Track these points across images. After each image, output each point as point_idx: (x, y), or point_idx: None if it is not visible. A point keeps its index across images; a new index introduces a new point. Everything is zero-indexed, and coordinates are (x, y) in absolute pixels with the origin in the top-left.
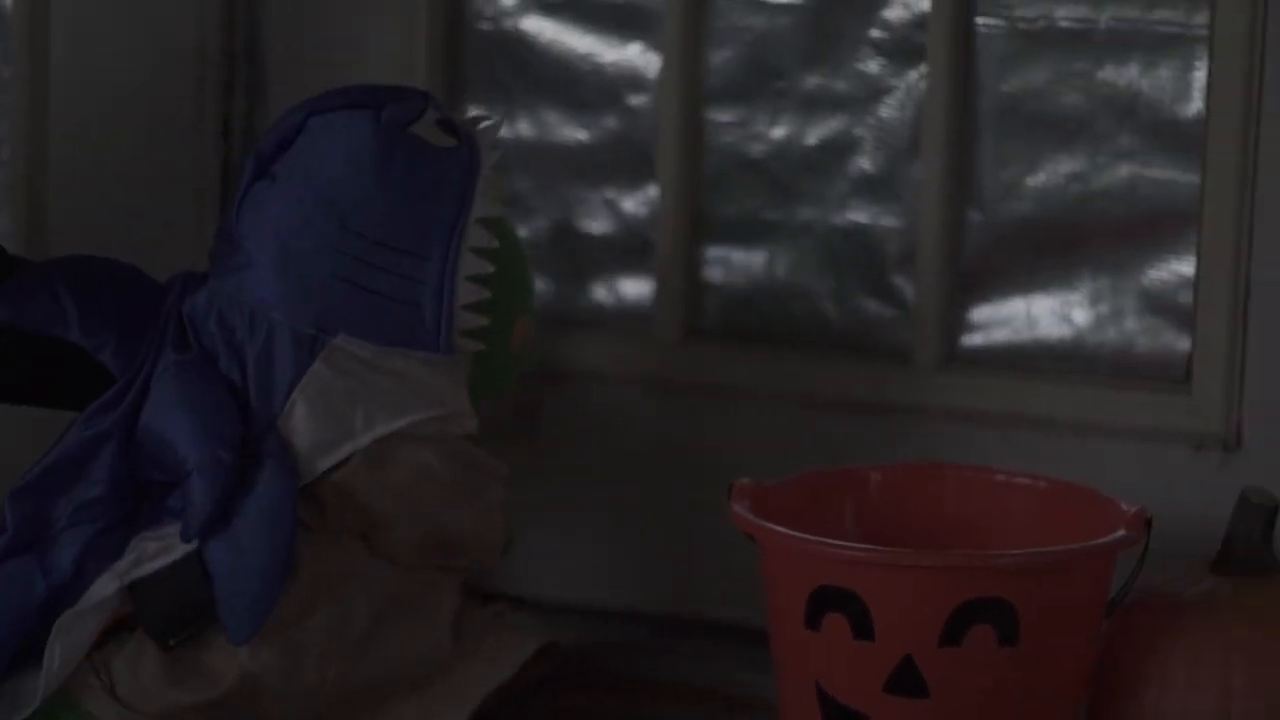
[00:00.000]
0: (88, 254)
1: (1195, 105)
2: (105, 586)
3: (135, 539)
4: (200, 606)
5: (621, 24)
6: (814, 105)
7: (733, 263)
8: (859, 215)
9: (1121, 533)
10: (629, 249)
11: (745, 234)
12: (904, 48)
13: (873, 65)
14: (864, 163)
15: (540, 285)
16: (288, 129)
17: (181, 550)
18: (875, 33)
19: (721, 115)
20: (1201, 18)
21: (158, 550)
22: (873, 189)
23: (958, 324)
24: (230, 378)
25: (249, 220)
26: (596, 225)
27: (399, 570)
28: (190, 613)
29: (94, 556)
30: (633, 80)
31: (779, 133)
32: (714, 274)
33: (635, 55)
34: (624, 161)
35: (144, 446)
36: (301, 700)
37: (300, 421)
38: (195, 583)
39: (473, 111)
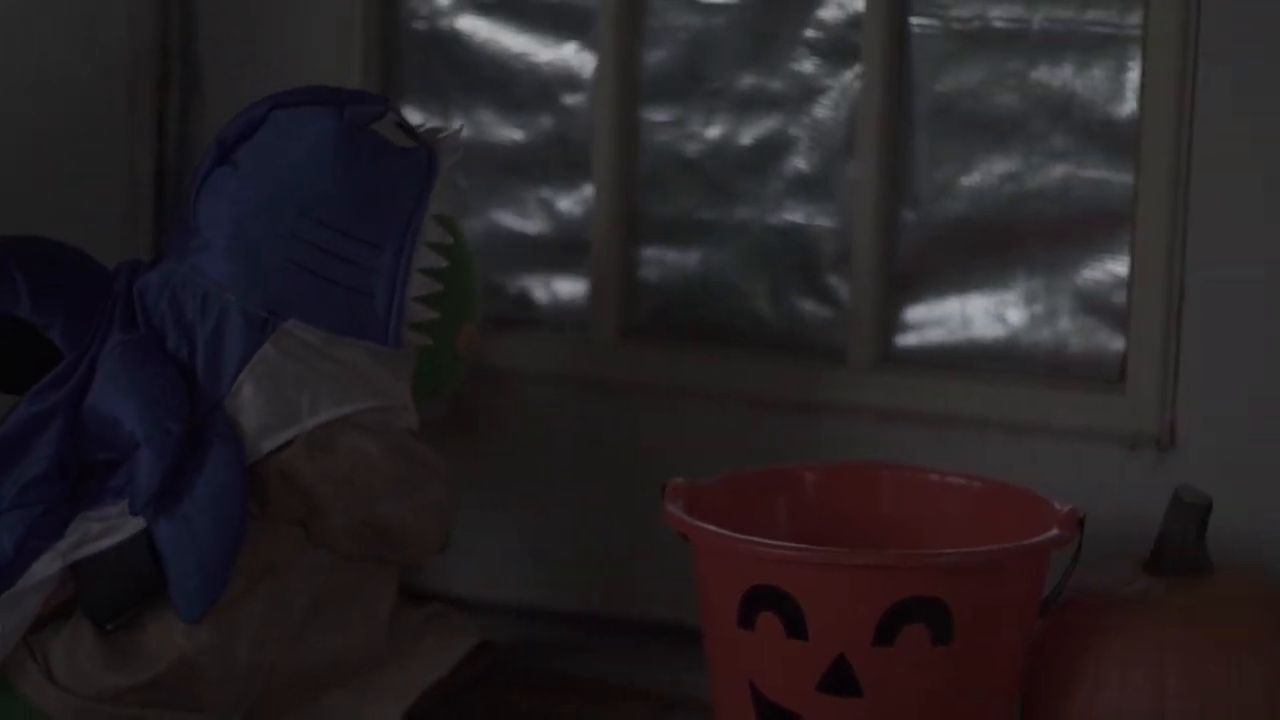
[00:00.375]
0: (37, 235)
1: (1129, 105)
2: (48, 566)
3: (78, 519)
4: (142, 589)
5: (556, 23)
6: (749, 105)
7: (668, 262)
8: (794, 215)
9: (1054, 532)
10: (564, 248)
11: (680, 234)
12: (839, 48)
13: (807, 65)
14: (799, 162)
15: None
16: (251, 120)
17: (127, 531)
18: (810, 33)
19: (657, 115)
20: (1135, 18)
21: (102, 530)
22: (808, 189)
23: (892, 324)
24: (178, 357)
25: (207, 205)
26: (532, 225)
27: (337, 562)
28: (132, 595)
29: (36, 536)
30: (568, 80)
31: (714, 132)
32: (649, 274)
33: (570, 55)
34: (559, 161)
35: (90, 424)
36: (237, 684)
37: (247, 402)
38: (141, 564)
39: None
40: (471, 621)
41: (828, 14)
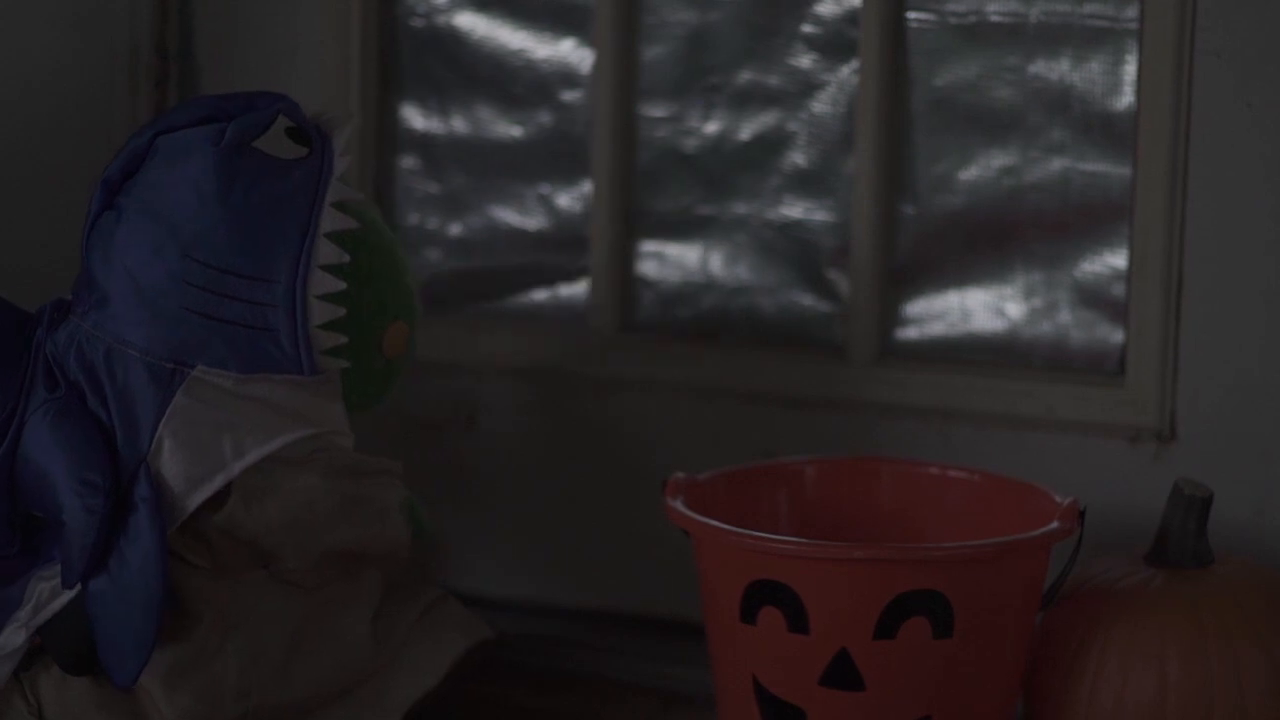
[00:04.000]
0: None
1: (1126, 98)
2: (13, 638)
3: (32, 581)
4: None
5: (554, 20)
6: (747, 100)
7: (667, 258)
8: (792, 210)
9: (1055, 524)
10: (563, 244)
11: (679, 229)
12: (836, 43)
13: (805, 60)
14: (797, 158)
15: (476, 281)
16: (135, 151)
17: (71, 591)
18: (807, 28)
19: (655, 111)
20: (1131, 11)
21: (51, 593)
22: (806, 184)
23: (892, 318)
24: (99, 415)
25: (98, 255)
26: (531, 221)
27: (307, 592)
28: (93, 648)
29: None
30: (566, 76)
31: (712, 128)
32: (648, 269)
33: (568, 51)
34: (558, 157)
35: (24, 483)
36: None
37: (168, 457)
38: (87, 623)
39: (328, 114)
40: (465, 616)
41: (825, 9)
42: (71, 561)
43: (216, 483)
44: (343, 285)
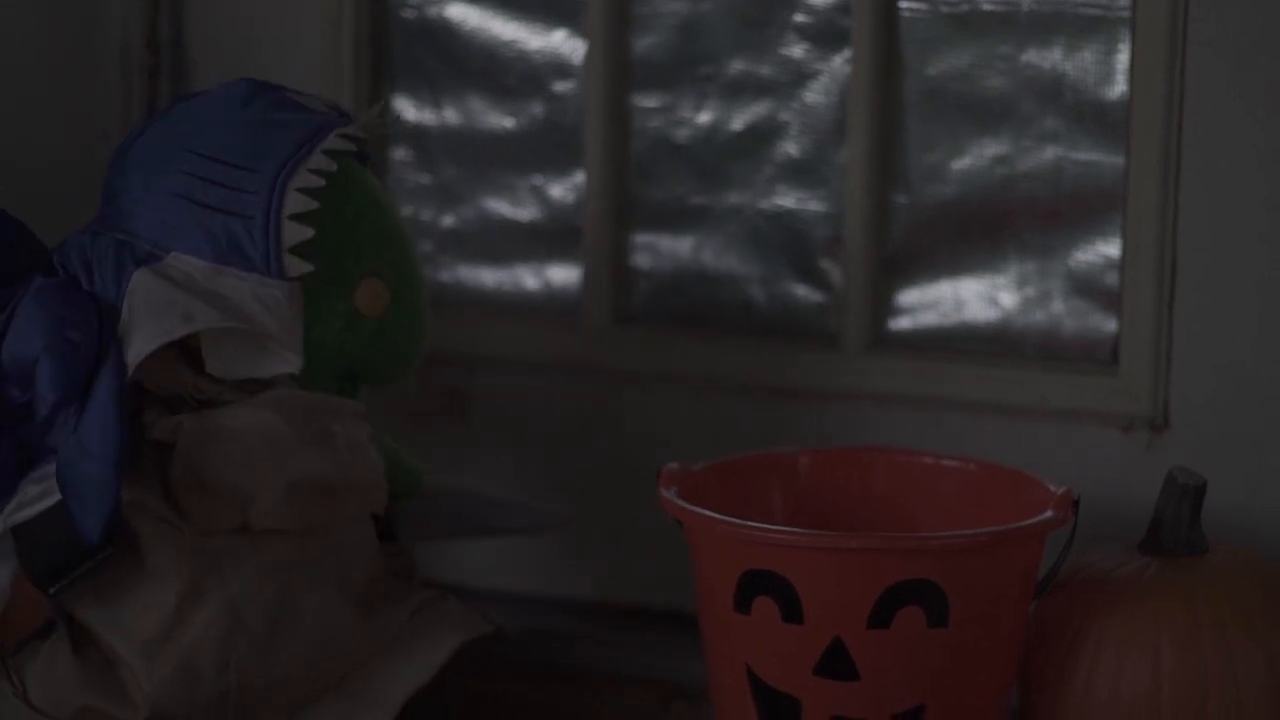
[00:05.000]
0: None
1: (1119, 87)
2: None
3: (25, 482)
4: (78, 553)
5: (546, 10)
6: (739, 90)
7: (660, 248)
8: (785, 200)
9: (1049, 514)
10: (556, 235)
11: (672, 219)
12: (828, 32)
13: (797, 50)
14: (790, 147)
15: (468, 272)
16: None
17: (59, 495)
18: (799, 17)
19: (647, 101)
20: (1124, 0)
21: (38, 494)
22: (799, 174)
23: (885, 308)
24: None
25: (118, 165)
26: (523, 212)
27: (287, 569)
28: (68, 559)
29: None
30: (558, 67)
31: (705, 118)
32: (641, 260)
33: (560, 42)
34: (550, 148)
35: (8, 368)
36: (209, 712)
37: (128, 320)
38: (69, 527)
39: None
40: (466, 612)
41: None
42: (44, 394)
43: (169, 336)
44: (322, 182)
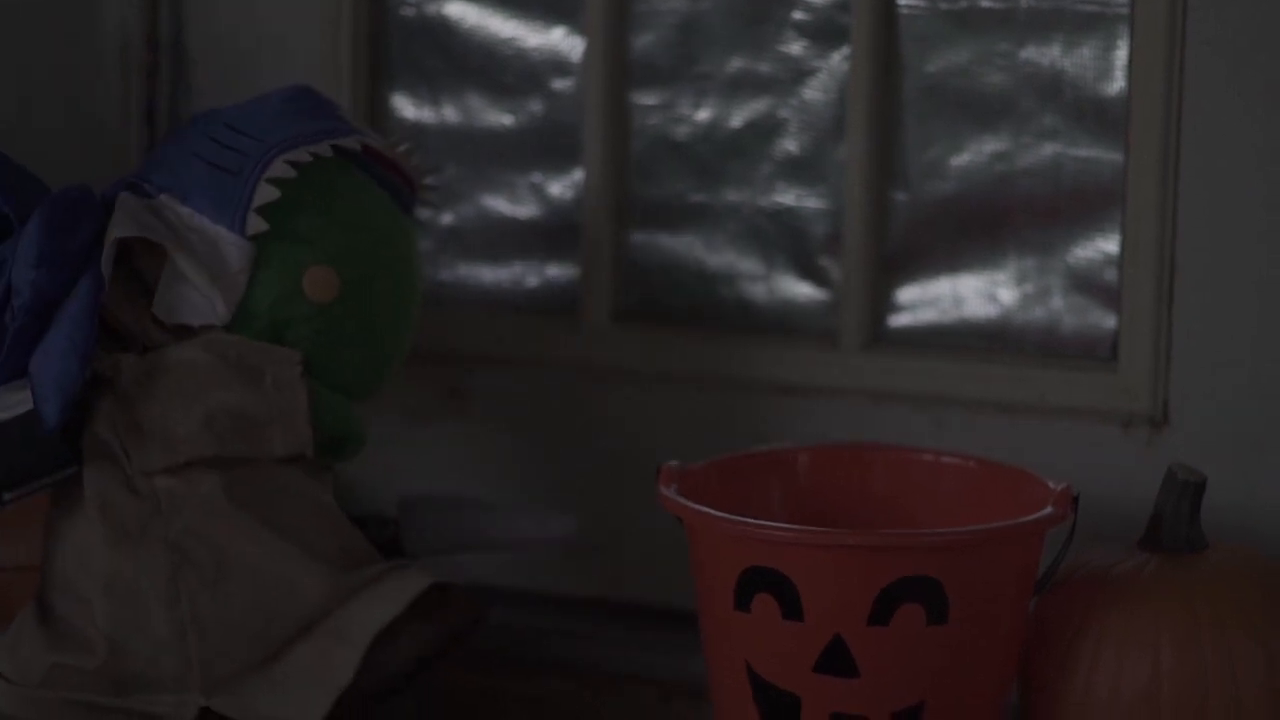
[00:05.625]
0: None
1: (1118, 84)
2: None
3: (3, 389)
4: (44, 462)
5: (545, 8)
6: (738, 88)
7: (659, 246)
8: (784, 197)
9: (1049, 510)
10: (555, 233)
11: (671, 217)
12: (827, 29)
13: (796, 47)
14: (789, 145)
15: (467, 270)
16: None
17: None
18: (798, 14)
19: (646, 99)
20: None
21: (15, 402)
22: (798, 171)
23: (884, 304)
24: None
25: (176, 130)
26: (522, 209)
27: (227, 508)
28: (32, 466)
29: None
30: (557, 64)
31: (703, 115)
32: (640, 257)
33: (559, 39)
34: (549, 146)
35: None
36: (171, 653)
37: (110, 227)
38: (36, 436)
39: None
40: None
41: None
42: (26, 255)
43: (141, 231)
44: (309, 158)
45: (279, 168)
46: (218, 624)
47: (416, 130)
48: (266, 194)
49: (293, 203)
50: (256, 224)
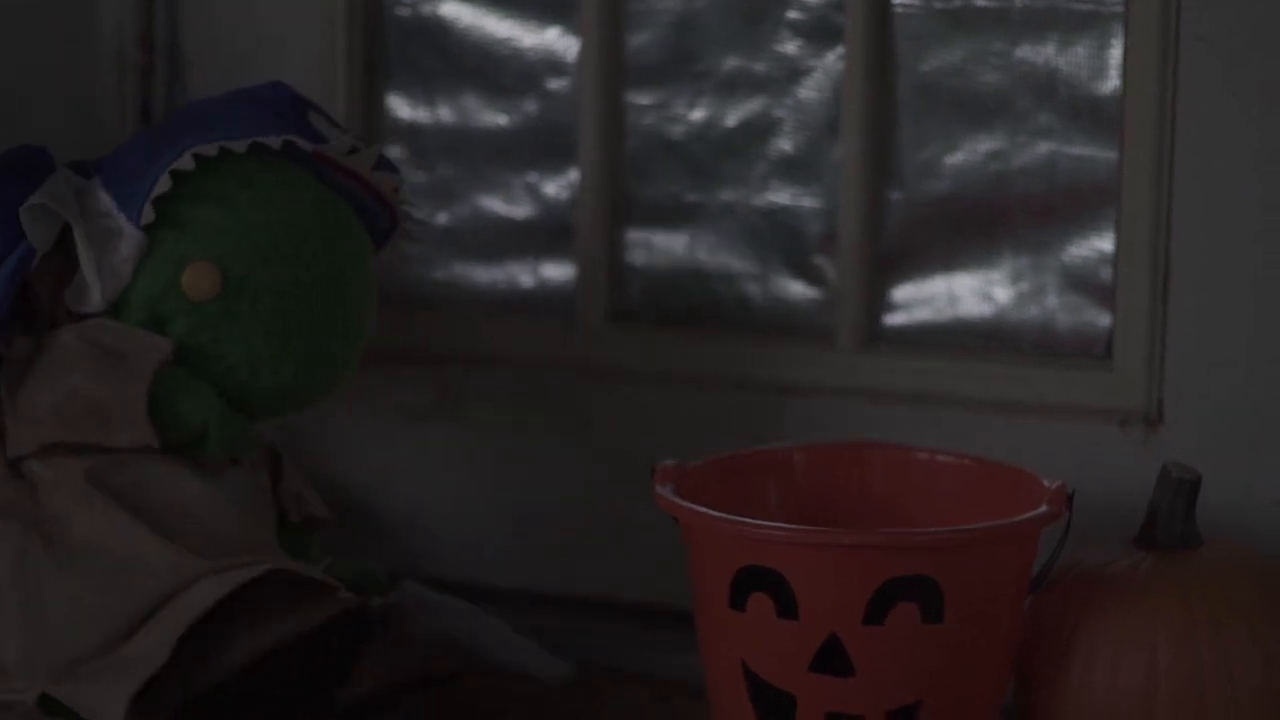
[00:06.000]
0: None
1: (1112, 83)
2: None
3: None
4: None
5: (540, 8)
6: (733, 87)
7: (654, 245)
8: (780, 196)
9: (1044, 509)
10: (551, 233)
11: (666, 216)
12: (822, 28)
13: (791, 47)
14: (784, 144)
15: (463, 269)
16: None
17: None
18: (793, 14)
19: (641, 98)
20: None
21: None
22: (793, 170)
23: (879, 304)
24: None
25: None
26: (518, 210)
27: (79, 492)
28: None
29: None
30: (552, 64)
31: (699, 115)
32: (636, 257)
33: (554, 39)
34: (545, 146)
35: None
36: (17, 638)
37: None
38: None
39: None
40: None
41: None
42: None
43: (49, 200)
44: (214, 152)
45: (184, 160)
46: (65, 605)
47: (412, 130)
48: (163, 185)
49: (192, 196)
50: (148, 214)
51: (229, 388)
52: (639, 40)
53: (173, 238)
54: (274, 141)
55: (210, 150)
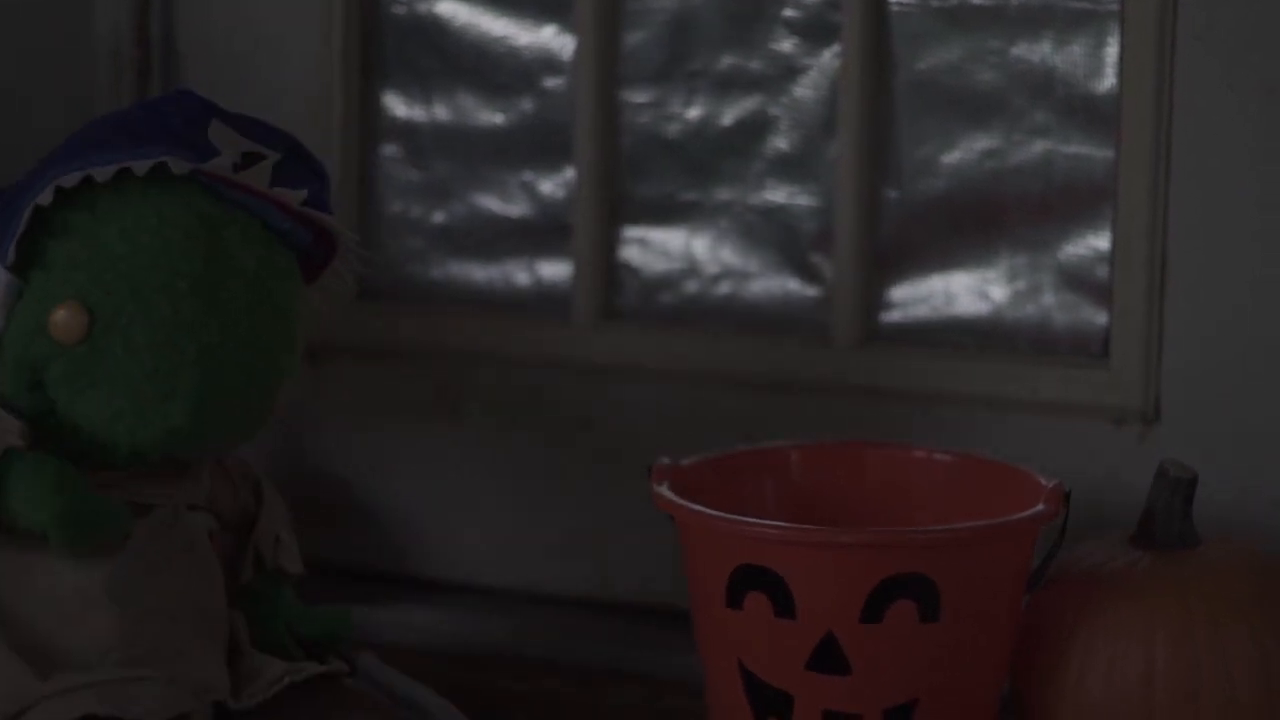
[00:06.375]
0: None
1: (1109, 81)
2: None
3: None
4: None
5: (536, 6)
6: (729, 85)
7: (650, 244)
8: (775, 195)
9: (1040, 507)
10: (547, 231)
11: (662, 215)
12: (817, 27)
13: (787, 45)
14: (780, 142)
15: (459, 268)
16: None
17: None
18: (789, 12)
19: (637, 97)
20: None
21: None
22: (789, 168)
23: (876, 302)
24: None
25: None
26: (514, 208)
27: None
28: None
29: None
30: (548, 63)
31: (694, 113)
32: (631, 255)
33: (550, 38)
34: (540, 144)
35: None
36: None
37: None
38: None
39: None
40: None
41: None
42: None
43: None
44: (49, 200)
45: (45, 194)
46: None
47: (408, 128)
48: (24, 223)
49: (58, 231)
50: (12, 255)
51: (117, 435)
52: (635, 38)
53: (39, 278)
54: (141, 167)
55: (72, 181)
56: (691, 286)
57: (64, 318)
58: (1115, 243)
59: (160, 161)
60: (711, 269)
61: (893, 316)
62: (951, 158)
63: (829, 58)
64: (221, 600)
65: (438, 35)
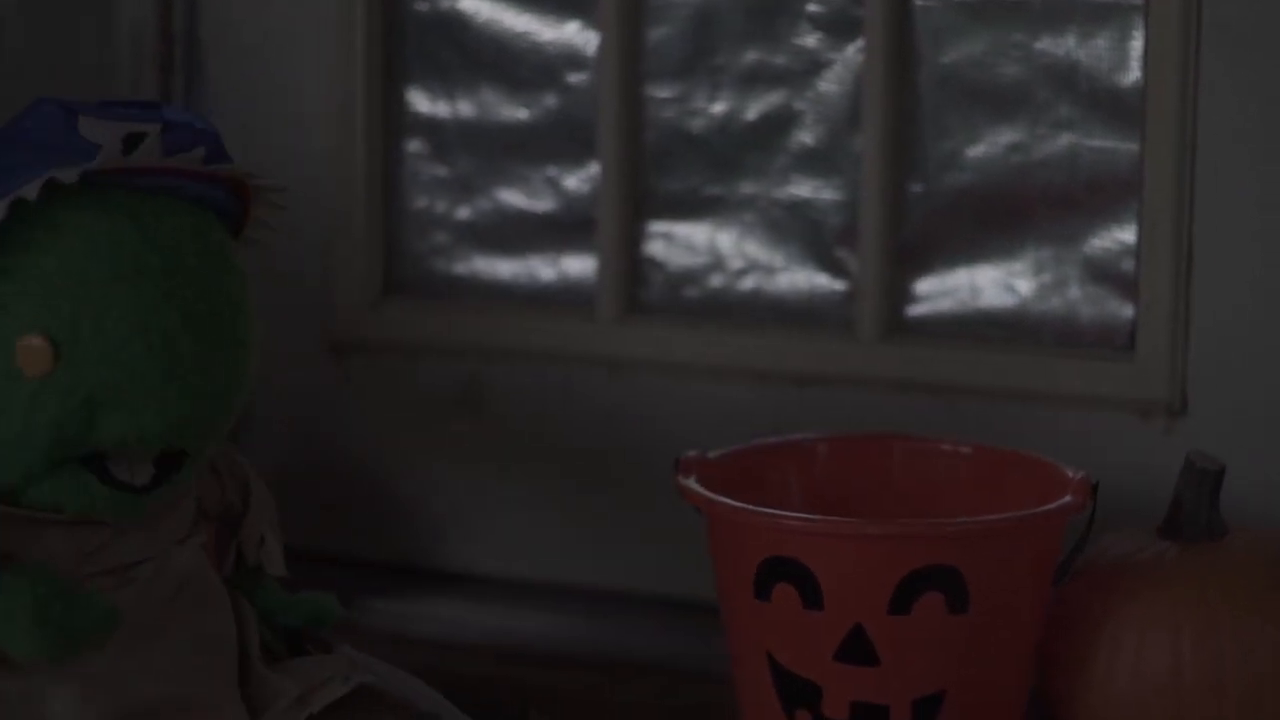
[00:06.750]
0: None
1: (1133, 74)
2: None
3: None
4: None
5: (559, 2)
6: (753, 80)
7: (675, 238)
8: (800, 189)
9: (1068, 499)
10: (571, 226)
11: (687, 210)
12: (841, 21)
13: (810, 39)
14: (804, 136)
15: (483, 263)
16: None
17: None
18: (812, 7)
19: (661, 92)
20: None
21: None
22: (813, 163)
23: (902, 295)
24: None
25: None
26: (539, 203)
27: None
28: None
29: None
30: (571, 58)
31: (719, 108)
32: (656, 250)
33: (574, 33)
34: (564, 140)
35: None
36: None
37: None
38: None
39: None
40: None
41: None
42: None
43: None
44: (32, 197)
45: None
46: None
47: (432, 124)
48: None
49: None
50: None
51: (124, 435)
52: (658, 34)
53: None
54: (30, 190)
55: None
56: (716, 281)
57: (26, 350)
58: (1140, 235)
59: (49, 179)
60: (736, 263)
61: (918, 310)
62: (976, 151)
63: (852, 52)
64: (225, 620)
65: (460, 31)
